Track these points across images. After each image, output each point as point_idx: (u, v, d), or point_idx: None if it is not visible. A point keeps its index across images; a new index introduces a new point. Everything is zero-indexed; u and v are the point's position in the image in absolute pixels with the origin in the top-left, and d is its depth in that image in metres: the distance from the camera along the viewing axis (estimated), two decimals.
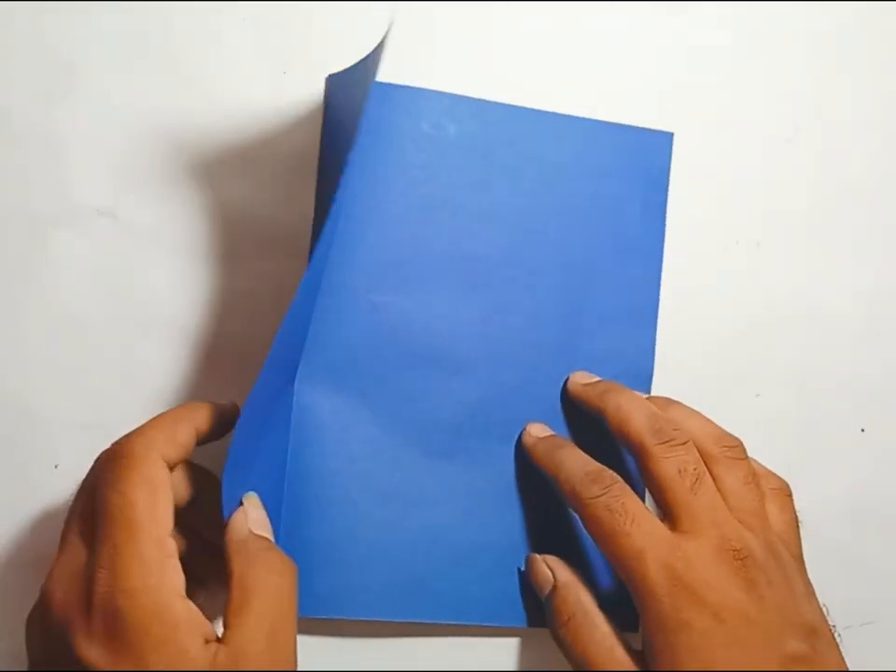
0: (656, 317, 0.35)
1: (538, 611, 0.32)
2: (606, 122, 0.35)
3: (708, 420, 0.31)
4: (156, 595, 0.23)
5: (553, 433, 0.33)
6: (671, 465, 0.29)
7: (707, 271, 0.36)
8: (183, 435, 0.27)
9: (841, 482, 0.37)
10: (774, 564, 0.28)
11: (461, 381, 0.33)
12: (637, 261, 0.35)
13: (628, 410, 0.30)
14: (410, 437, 0.33)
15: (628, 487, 0.29)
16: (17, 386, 0.32)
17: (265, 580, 0.25)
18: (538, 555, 0.32)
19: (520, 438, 0.33)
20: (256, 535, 0.26)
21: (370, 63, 0.28)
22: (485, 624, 0.32)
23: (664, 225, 0.35)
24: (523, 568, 0.33)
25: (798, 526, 0.31)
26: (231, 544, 0.25)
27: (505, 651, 0.34)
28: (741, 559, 0.27)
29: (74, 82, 0.33)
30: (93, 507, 0.25)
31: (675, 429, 0.29)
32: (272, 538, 0.27)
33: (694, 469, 0.29)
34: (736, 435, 0.31)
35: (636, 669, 0.27)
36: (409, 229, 0.33)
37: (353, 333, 0.32)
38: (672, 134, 0.35)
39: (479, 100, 0.34)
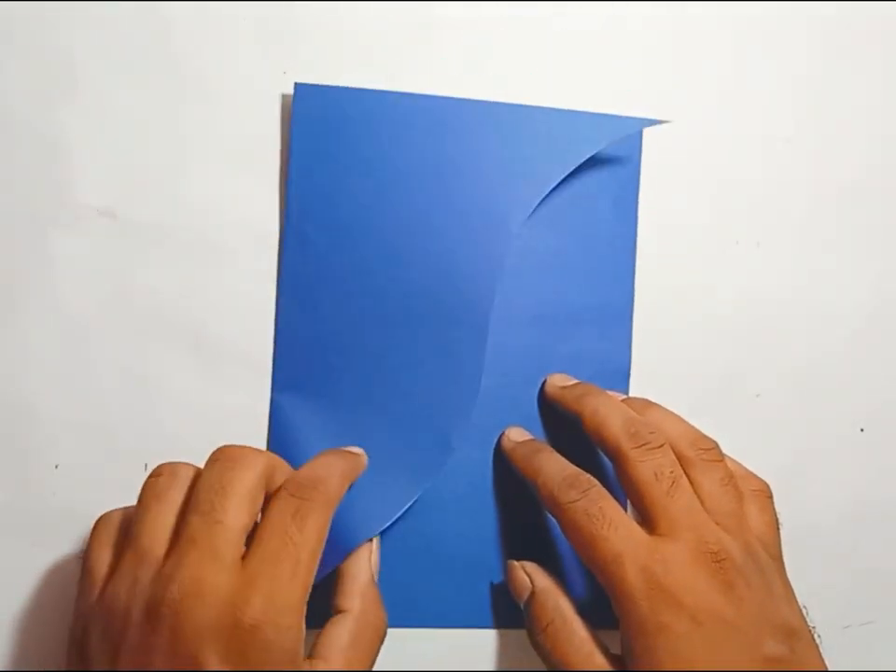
0: (631, 315, 0.35)
1: (514, 615, 0.32)
2: (572, 111, 0.34)
3: (685, 422, 0.31)
4: (296, 634, 0.25)
5: (531, 437, 0.33)
6: (647, 468, 0.29)
7: (706, 271, 0.36)
8: (344, 490, 0.28)
9: (841, 482, 0.37)
10: (752, 566, 0.28)
11: None
12: (610, 258, 0.35)
13: (605, 414, 0.30)
14: None
15: (605, 491, 0.29)
16: (17, 386, 0.32)
17: (375, 626, 0.28)
18: (515, 562, 0.32)
19: (498, 442, 0.33)
20: (374, 580, 0.29)
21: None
22: (462, 628, 0.33)
23: (635, 218, 0.35)
24: (502, 574, 0.33)
25: (778, 528, 0.31)
26: (359, 580, 0.28)
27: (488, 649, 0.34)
28: (719, 561, 0.27)
29: (74, 82, 0.33)
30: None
31: (651, 433, 0.30)
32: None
33: (671, 473, 0.29)
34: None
35: None
36: (376, 233, 0.33)
37: (320, 338, 0.33)
38: (643, 120, 0.34)
39: (438, 97, 0.33)
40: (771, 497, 0.31)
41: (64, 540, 0.31)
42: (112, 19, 0.33)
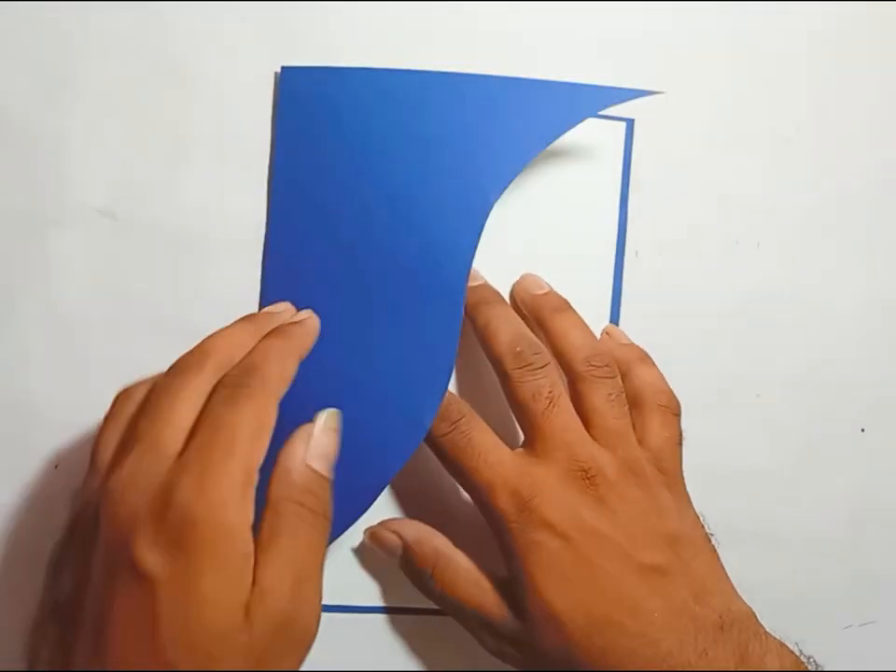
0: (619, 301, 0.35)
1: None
2: (557, 82, 0.33)
3: (586, 334, 0.31)
4: (234, 515, 0.23)
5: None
6: (527, 390, 0.29)
7: (707, 271, 0.36)
8: (291, 371, 0.27)
9: (841, 482, 0.37)
10: (631, 479, 0.29)
11: None
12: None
13: (494, 328, 0.31)
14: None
15: (477, 420, 0.30)
16: (17, 386, 0.32)
17: (296, 526, 0.24)
18: (373, 527, 0.32)
19: None
20: (308, 470, 0.25)
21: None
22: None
23: (620, 213, 0.35)
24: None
25: (680, 444, 0.31)
26: (276, 475, 0.25)
27: None
28: (590, 478, 0.28)
29: (74, 82, 0.33)
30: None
31: (535, 353, 0.30)
32: (331, 471, 0.26)
33: (549, 393, 0.29)
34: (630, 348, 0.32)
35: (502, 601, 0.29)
36: (359, 211, 0.33)
37: None
38: (629, 91, 0.33)
39: (422, 71, 0.33)
40: (678, 415, 0.31)
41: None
42: (112, 19, 0.33)
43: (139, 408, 0.26)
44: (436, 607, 0.31)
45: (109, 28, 0.33)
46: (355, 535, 0.33)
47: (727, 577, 0.29)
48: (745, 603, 0.29)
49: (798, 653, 0.28)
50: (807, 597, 0.36)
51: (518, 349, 0.30)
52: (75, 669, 0.23)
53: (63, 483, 0.32)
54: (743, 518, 0.36)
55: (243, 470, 0.23)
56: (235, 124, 0.33)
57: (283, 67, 0.33)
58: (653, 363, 0.33)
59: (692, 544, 0.28)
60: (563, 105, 0.33)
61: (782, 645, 0.27)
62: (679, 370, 0.35)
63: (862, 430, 0.37)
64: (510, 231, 0.34)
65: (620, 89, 0.33)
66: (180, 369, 0.26)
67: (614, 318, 0.35)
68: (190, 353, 0.27)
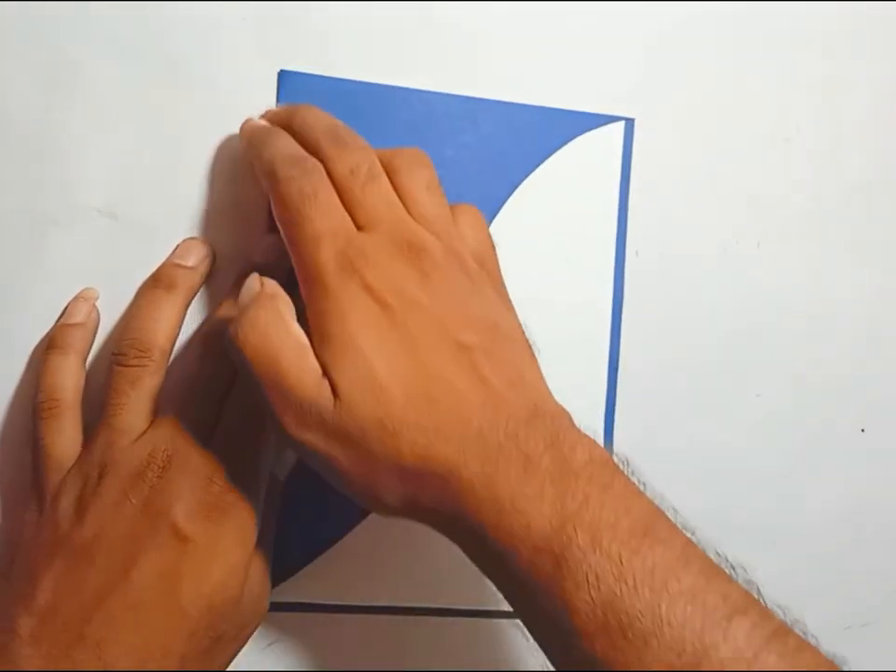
0: (620, 310, 0.35)
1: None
2: (544, 107, 0.35)
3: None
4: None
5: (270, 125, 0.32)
6: (345, 166, 0.28)
7: (707, 271, 0.36)
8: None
9: (841, 482, 0.37)
10: (455, 265, 0.28)
11: None
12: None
13: (312, 120, 0.30)
14: None
15: (328, 180, 0.28)
16: (17, 386, 0.32)
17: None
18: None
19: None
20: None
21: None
22: None
23: (620, 216, 0.35)
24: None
25: (494, 247, 0.30)
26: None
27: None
28: (416, 251, 0.27)
29: (74, 82, 0.32)
30: None
31: (353, 137, 0.29)
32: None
33: (368, 170, 0.28)
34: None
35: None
36: None
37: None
38: (609, 117, 0.35)
39: (418, 90, 0.34)
40: (483, 218, 0.31)
41: None
42: (112, 19, 0.33)
43: None
44: (436, 607, 0.31)
45: (109, 28, 0.33)
46: (355, 535, 0.33)
47: (544, 379, 0.28)
48: (561, 405, 0.27)
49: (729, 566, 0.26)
50: (807, 597, 0.36)
51: (335, 133, 0.29)
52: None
53: None
54: (742, 518, 0.36)
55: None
56: (235, 125, 0.33)
57: (282, 71, 0.33)
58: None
59: (511, 337, 0.28)
60: (551, 128, 0.35)
61: (595, 443, 0.26)
62: (679, 369, 0.35)
63: (862, 430, 0.37)
64: (510, 230, 0.34)
65: (600, 115, 0.35)
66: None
67: (615, 318, 0.35)
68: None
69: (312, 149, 0.29)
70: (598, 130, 0.35)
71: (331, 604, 0.33)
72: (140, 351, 0.30)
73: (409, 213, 0.28)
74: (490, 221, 0.34)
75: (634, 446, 0.35)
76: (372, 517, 0.33)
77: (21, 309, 0.32)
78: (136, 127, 0.33)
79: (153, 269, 0.33)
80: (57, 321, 0.32)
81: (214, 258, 0.33)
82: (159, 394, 0.30)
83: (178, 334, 0.32)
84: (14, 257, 0.32)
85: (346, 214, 0.28)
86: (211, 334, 0.31)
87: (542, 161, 0.35)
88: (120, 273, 0.33)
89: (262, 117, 0.32)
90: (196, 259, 0.32)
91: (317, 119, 0.30)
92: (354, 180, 0.28)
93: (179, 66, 0.33)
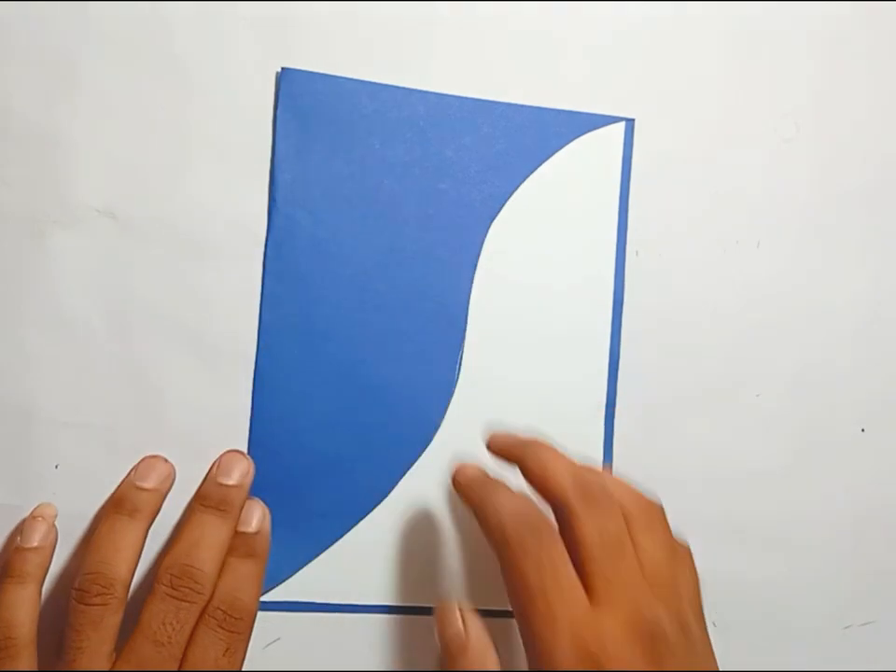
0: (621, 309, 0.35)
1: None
2: (543, 108, 0.35)
3: (630, 485, 0.30)
4: None
5: (483, 472, 0.31)
6: (594, 528, 0.27)
7: (707, 271, 0.36)
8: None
9: (841, 482, 0.37)
10: (684, 642, 0.27)
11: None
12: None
13: (553, 464, 0.29)
14: None
15: (557, 535, 0.28)
16: (17, 386, 0.32)
17: None
18: (450, 604, 0.29)
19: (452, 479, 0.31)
20: None
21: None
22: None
23: (620, 216, 0.35)
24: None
25: (699, 587, 0.30)
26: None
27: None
28: (653, 638, 0.26)
29: (74, 82, 0.32)
30: None
31: (602, 491, 0.28)
32: None
33: (618, 538, 0.28)
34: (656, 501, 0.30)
35: None
36: (356, 221, 0.34)
37: (302, 326, 0.33)
38: (609, 118, 0.35)
39: (420, 91, 0.34)
40: (692, 557, 0.30)
41: (64, 541, 0.31)
42: (112, 19, 0.33)
43: None
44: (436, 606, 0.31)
45: (109, 28, 0.33)
46: (355, 534, 0.33)
47: None
48: None
49: None
50: (807, 597, 0.36)
51: (584, 485, 0.28)
52: None
53: (63, 482, 0.32)
54: (742, 518, 0.36)
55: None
56: (235, 124, 0.33)
57: (283, 68, 0.33)
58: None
59: None
60: (551, 129, 0.35)
61: None
62: (679, 369, 0.35)
63: (862, 430, 0.37)
64: (510, 231, 0.34)
65: (600, 115, 0.35)
66: None
67: (615, 318, 0.35)
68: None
69: (555, 498, 0.28)
70: (598, 130, 0.35)
71: (331, 604, 0.33)
72: (103, 587, 0.29)
73: (643, 571, 0.28)
74: (491, 222, 0.34)
75: (634, 446, 0.35)
76: (372, 517, 0.33)
77: (21, 309, 0.32)
78: (136, 127, 0.33)
79: (153, 269, 0.33)
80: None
81: (174, 477, 0.32)
82: (119, 633, 0.29)
83: (139, 559, 0.31)
84: (14, 257, 0.32)
85: (583, 592, 0.27)
86: (175, 569, 0.30)
87: (543, 162, 0.35)
88: (120, 273, 0.33)
89: (491, 441, 0.32)
90: (157, 480, 0.32)
91: (559, 460, 0.29)
92: (602, 548, 0.27)
93: (179, 66, 0.33)
